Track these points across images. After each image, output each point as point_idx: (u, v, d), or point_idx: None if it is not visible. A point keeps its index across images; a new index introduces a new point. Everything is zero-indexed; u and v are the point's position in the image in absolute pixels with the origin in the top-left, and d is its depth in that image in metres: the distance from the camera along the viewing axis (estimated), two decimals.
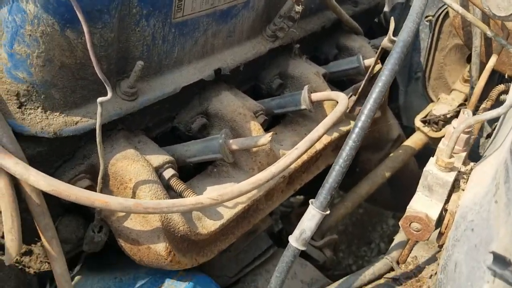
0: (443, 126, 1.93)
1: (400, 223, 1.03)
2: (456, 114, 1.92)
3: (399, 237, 1.65)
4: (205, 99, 1.35)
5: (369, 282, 1.48)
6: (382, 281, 1.48)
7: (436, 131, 1.94)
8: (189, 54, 1.25)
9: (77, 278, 1.26)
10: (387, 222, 3.64)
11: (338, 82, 1.83)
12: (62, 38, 0.91)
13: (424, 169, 1.04)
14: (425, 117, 1.97)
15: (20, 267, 1.21)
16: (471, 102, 1.41)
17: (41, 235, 0.97)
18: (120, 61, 1.09)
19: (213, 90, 1.37)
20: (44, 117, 0.97)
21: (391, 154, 1.96)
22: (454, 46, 2.12)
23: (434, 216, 1.00)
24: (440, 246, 1.07)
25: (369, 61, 1.75)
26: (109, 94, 0.93)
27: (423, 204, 1.03)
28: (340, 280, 1.50)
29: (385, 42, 1.45)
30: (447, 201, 1.04)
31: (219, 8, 1.24)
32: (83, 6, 0.90)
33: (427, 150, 2.04)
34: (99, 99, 0.93)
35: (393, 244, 1.62)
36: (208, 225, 1.16)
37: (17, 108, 0.95)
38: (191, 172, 1.34)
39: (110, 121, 1.07)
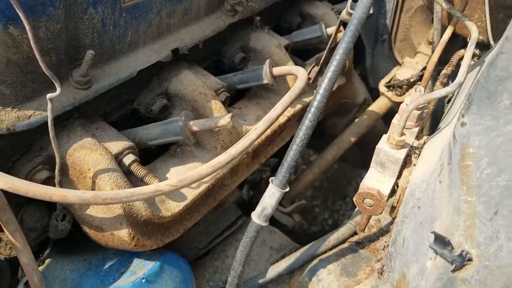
0: (407, 90, 1.97)
1: (354, 199, 1.07)
2: (420, 78, 1.95)
3: None
4: (165, 79, 1.35)
5: (334, 246, 1.55)
6: (346, 245, 1.55)
7: (400, 95, 1.97)
8: (143, 37, 1.24)
9: (47, 261, 1.29)
10: (361, 175, 3.71)
11: (302, 51, 1.83)
12: (6, 35, 0.89)
13: (377, 146, 1.07)
14: (389, 81, 1.99)
15: None
16: (424, 78, 1.43)
17: (4, 229, 0.98)
18: (70, 50, 1.07)
19: (172, 70, 1.36)
20: None
21: (356, 120, 2.00)
22: (420, 7, 2.11)
23: (386, 192, 1.04)
24: (393, 219, 1.12)
25: (332, 29, 1.74)
26: (58, 90, 0.92)
27: (376, 180, 1.07)
28: (306, 246, 1.56)
29: (343, 14, 1.44)
30: (399, 176, 1.08)
31: None
32: (25, 1, 0.88)
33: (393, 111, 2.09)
34: (48, 95, 0.93)
35: (356, 209, 1.68)
36: (171, 207, 1.18)
37: None
38: (154, 152, 1.35)
39: (64, 111, 1.06)
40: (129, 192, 1.00)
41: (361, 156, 2.53)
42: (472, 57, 1.59)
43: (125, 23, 1.15)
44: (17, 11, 0.84)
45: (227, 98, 1.44)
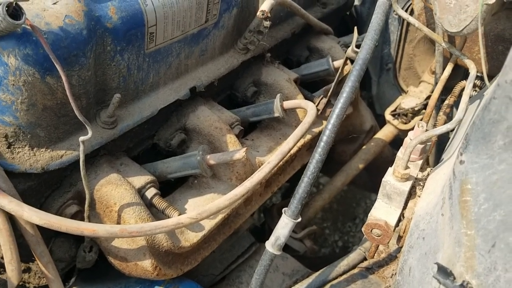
0: (412, 118, 2.04)
1: (362, 229, 1.14)
2: (424, 107, 2.02)
3: None
4: (183, 115, 1.44)
5: (344, 272, 1.60)
6: (356, 270, 1.61)
7: (405, 123, 2.05)
8: (164, 77, 1.33)
9: None
10: (370, 197, 3.77)
11: (310, 83, 1.92)
12: (43, 84, 0.99)
13: (383, 179, 1.14)
14: (395, 110, 2.07)
15: (20, 283, 1.31)
16: (426, 113, 1.50)
17: (38, 261, 1.06)
18: (98, 93, 1.16)
19: (189, 105, 1.45)
20: (32, 154, 1.06)
21: (364, 147, 2.07)
22: (422, 38, 2.20)
23: (393, 222, 1.11)
24: (400, 248, 1.18)
25: (338, 63, 1.84)
26: (90, 133, 1.01)
27: (383, 211, 1.14)
28: (318, 272, 1.62)
29: (349, 52, 1.53)
30: (404, 207, 1.15)
31: (190, 32, 1.31)
32: (60, 54, 0.98)
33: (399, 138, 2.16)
34: (81, 138, 1.02)
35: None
36: (190, 238, 1.26)
37: (6, 148, 1.03)
38: (173, 182, 1.43)
39: (92, 150, 1.15)
40: (153, 226, 1.07)
41: (369, 179, 2.60)
42: (474, 87, 1.67)
43: (148, 67, 1.24)
44: (55, 64, 0.94)
45: (241, 132, 1.52)
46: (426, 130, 1.17)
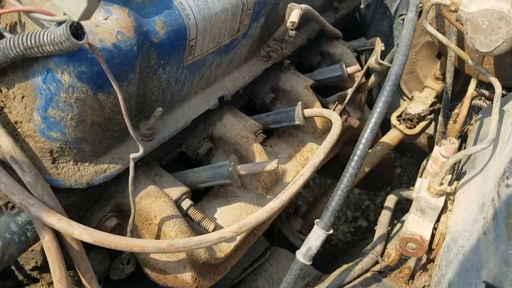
0: (417, 123, 2.09)
1: (397, 243, 1.18)
2: (429, 112, 2.08)
3: (379, 231, 1.84)
4: (209, 124, 1.44)
5: (358, 276, 1.66)
6: (369, 274, 1.67)
7: (410, 128, 2.10)
8: (196, 87, 1.33)
9: None
10: (353, 191, 3.84)
11: (322, 87, 1.94)
12: (95, 101, 0.97)
13: (417, 194, 1.18)
14: (400, 115, 2.12)
15: None
16: (456, 129, 1.55)
17: (81, 277, 1.06)
18: (138, 106, 1.15)
19: (215, 114, 1.45)
20: (76, 169, 1.04)
21: (370, 150, 2.11)
22: (425, 43, 2.25)
23: (427, 236, 1.16)
24: (431, 259, 1.23)
25: (351, 69, 1.87)
26: (141, 151, 1.01)
27: (417, 225, 1.18)
28: (332, 276, 1.67)
29: (372, 62, 1.56)
30: (437, 221, 1.19)
31: (223, 44, 1.31)
32: (113, 71, 0.97)
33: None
34: (132, 155, 1.01)
35: (375, 238, 1.80)
36: (224, 248, 1.27)
37: (51, 163, 1.01)
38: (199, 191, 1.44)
39: None
40: (198, 240, 1.08)
41: (366, 179, 2.65)
42: (483, 97, 1.73)
43: (184, 78, 1.24)
44: (112, 82, 0.93)
45: (264, 139, 1.54)
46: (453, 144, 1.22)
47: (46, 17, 0.87)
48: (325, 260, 2.51)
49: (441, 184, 1.16)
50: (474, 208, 1.09)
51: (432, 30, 1.48)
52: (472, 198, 1.14)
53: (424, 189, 1.18)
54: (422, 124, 2.07)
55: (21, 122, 1.00)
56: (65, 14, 0.86)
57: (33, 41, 0.85)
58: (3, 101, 1.01)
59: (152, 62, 1.09)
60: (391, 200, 1.98)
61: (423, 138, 2.39)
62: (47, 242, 0.97)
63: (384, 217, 1.87)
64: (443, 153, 1.22)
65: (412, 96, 2.17)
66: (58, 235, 1.01)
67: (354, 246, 2.74)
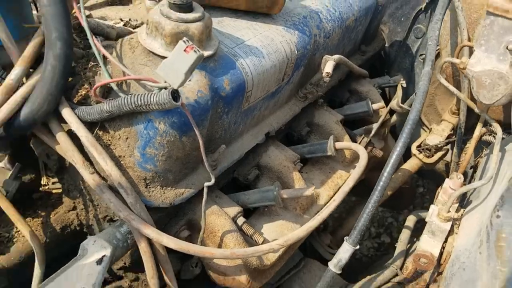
0: (435, 153, 2.36)
1: (412, 257, 1.46)
2: (446, 144, 2.34)
3: (399, 247, 2.11)
4: (257, 154, 1.75)
5: (380, 286, 1.93)
6: (389, 284, 1.94)
7: (428, 157, 2.36)
8: (248, 126, 1.64)
9: None
10: (377, 208, 4.07)
11: (351, 121, 2.24)
12: (180, 142, 1.29)
13: (429, 219, 1.46)
14: (420, 145, 2.39)
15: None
16: (461, 168, 1.82)
17: (164, 275, 1.37)
18: (205, 143, 1.47)
19: (262, 146, 1.76)
20: (162, 193, 1.36)
21: (393, 176, 2.38)
22: None
23: (436, 254, 1.43)
24: (439, 272, 1.50)
25: (376, 106, 2.16)
26: (213, 180, 1.33)
27: (428, 244, 1.46)
28: (358, 285, 1.94)
29: (393, 104, 1.85)
30: (445, 241, 1.47)
31: (270, 91, 1.62)
32: (195, 120, 1.28)
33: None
34: (206, 184, 1.33)
35: (396, 254, 2.07)
36: (270, 257, 1.57)
37: (145, 188, 1.33)
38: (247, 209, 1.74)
39: (201, 188, 1.46)
40: (253, 250, 1.39)
41: (390, 200, 2.91)
42: (489, 133, 1.99)
43: (240, 120, 1.55)
44: (195, 130, 1.24)
45: (301, 168, 1.83)
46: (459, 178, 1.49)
47: (152, 84, 1.20)
48: (351, 272, 2.77)
49: (449, 211, 1.43)
50: (474, 232, 1.37)
51: (444, 82, 1.76)
52: (474, 224, 1.41)
53: (435, 215, 1.46)
54: (439, 154, 2.33)
55: (123, 156, 1.32)
56: (165, 82, 1.18)
57: (143, 101, 1.17)
58: (109, 140, 1.34)
59: (219, 110, 1.41)
60: (411, 220, 2.25)
61: (441, 164, 2.65)
62: (143, 247, 1.29)
63: (404, 235, 2.13)
64: (451, 186, 1.50)
65: (431, 128, 2.44)
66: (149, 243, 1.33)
67: (377, 260, 2.98)
